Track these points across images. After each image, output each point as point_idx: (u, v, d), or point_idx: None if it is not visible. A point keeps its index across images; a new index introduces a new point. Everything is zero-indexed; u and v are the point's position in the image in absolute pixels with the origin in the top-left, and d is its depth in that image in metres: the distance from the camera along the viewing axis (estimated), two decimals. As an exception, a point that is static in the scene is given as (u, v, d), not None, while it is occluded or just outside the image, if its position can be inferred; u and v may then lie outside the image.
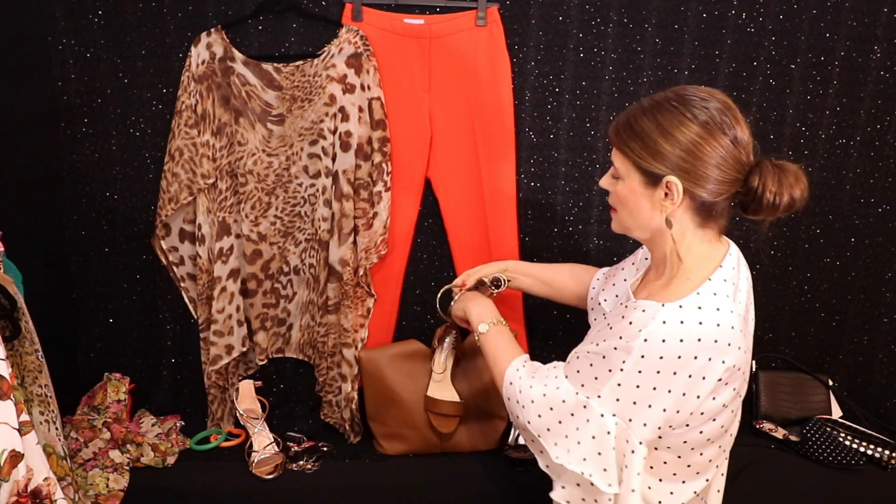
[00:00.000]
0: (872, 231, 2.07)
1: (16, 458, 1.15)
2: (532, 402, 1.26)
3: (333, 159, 1.80)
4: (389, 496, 1.77)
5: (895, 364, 2.18)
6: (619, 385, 1.14)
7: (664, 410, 1.13)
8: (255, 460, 1.78)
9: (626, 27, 1.84)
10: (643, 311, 1.14)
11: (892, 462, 1.90)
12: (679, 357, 1.10)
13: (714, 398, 1.14)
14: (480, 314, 1.50)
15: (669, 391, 1.12)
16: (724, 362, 1.11)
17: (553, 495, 1.27)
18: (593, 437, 1.18)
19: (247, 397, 1.92)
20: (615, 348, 1.14)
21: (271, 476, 1.75)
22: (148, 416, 1.90)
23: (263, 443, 1.82)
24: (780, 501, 1.86)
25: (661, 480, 1.24)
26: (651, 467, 1.23)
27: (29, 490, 1.19)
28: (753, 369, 2.12)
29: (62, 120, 1.80)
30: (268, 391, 1.99)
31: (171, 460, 1.78)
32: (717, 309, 1.11)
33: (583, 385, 1.19)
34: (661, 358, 1.10)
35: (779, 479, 1.87)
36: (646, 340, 1.11)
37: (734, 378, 1.15)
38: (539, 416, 1.24)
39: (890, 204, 2.05)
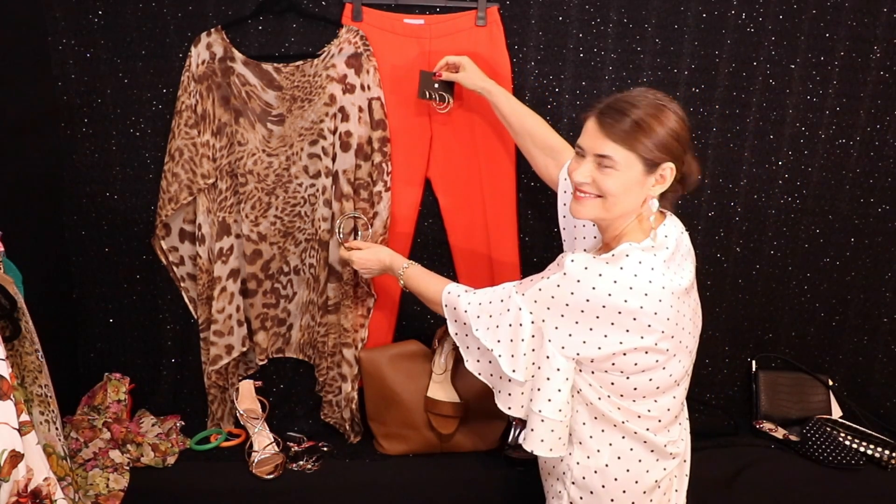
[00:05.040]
0: (872, 231, 2.07)
1: (16, 458, 1.15)
2: (475, 294, 1.43)
3: (333, 159, 1.80)
4: (389, 496, 1.77)
5: (895, 364, 2.18)
6: (539, 290, 1.30)
7: (570, 335, 1.27)
8: (255, 460, 1.78)
9: (626, 27, 1.84)
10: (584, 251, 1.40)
11: (892, 462, 1.90)
12: (594, 288, 1.24)
13: (621, 343, 1.25)
14: (393, 258, 1.66)
15: (577, 322, 1.27)
16: (639, 308, 1.24)
17: (468, 365, 1.43)
18: (510, 325, 1.33)
19: (247, 397, 1.92)
20: (556, 264, 1.34)
21: (271, 476, 1.75)
22: (148, 416, 1.90)
23: (263, 443, 1.82)
24: (780, 501, 1.86)
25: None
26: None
27: (29, 490, 1.19)
28: (753, 369, 2.12)
29: (62, 120, 1.80)
30: (268, 391, 1.99)
31: (171, 460, 1.78)
32: (640, 262, 1.25)
33: (520, 283, 1.37)
34: (578, 282, 1.26)
35: (779, 479, 1.87)
36: (572, 261, 1.27)
37: (648, 333, 1.25)
38: (469, 303, 1.41)
39: (890, 204, 2.05)
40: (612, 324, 1.25)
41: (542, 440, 1.33)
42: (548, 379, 1.30)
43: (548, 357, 1.30)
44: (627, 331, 1.25)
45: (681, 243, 1.34)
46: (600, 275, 1.24)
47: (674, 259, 1.30)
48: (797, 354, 2.16)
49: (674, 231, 1.33)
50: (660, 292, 1.24)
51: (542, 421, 1.31)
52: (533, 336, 1.31)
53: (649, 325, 1.24)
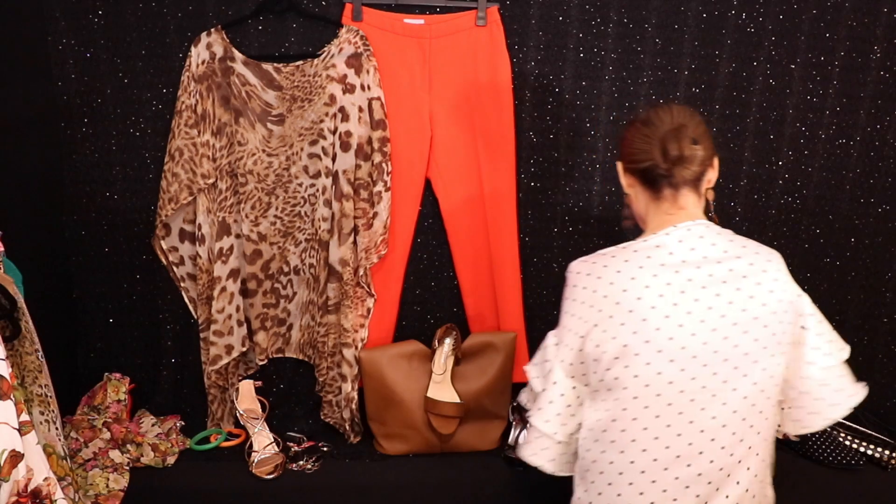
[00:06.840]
0: (872, 231, 2.07)
1: (16, 458, 1.15)
2: None
3: (333, 159, 1.80)
4: (389, 496, 1.77)
5: (895, 364, 2.18)
6: (561, 309, 1.34)
7: (569, 330, 1.29)
8: (255, 460, 1.78)
9: (626, 27, 1.84)
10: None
11: (892, 462, 1.90)
12: (584, 288, 1.27)
13: (605, 331, 1.23)
14: None
15: (572, 314, 1.29)
16: (617, 303, 1.23)
17: (520, 395, 1.53)
18: (546, 347, 1.37)
19: (247, 397, 1.92)
20: None
21: (271, 476, 1.75)
22: (148, 416, 1.90)
23: (263, 443, 1.82)
24: (780, 501, 1.86)
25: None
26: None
27: (29, 490, 1.19)
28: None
29: (62, 120, 1.80)
30: (268, 391, 1.99)
31: (171, 460, 1.78)
32: (626, 261, 1.26)
33: None
34: (574, 286, 1.30)
35: (779, 479, 1.87)
36: (568, 268, 1.33)
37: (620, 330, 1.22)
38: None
39: (890, 204, 2.05)
40: (611, 316, 1.22)
41: (533, 453, 1.35)
42: (543, 390, 1.33)
43: (550, 370, 1.32)
44: (623, 324, 1.21)
45: (711, 260, 1.26)
46: (588, 274, 1.28)
47: (685, 267, 1.24)
48: (797, 354, 2.16)
49: (692, 237, 1.27)
50: (639, 288, 1.22)
51: (533, 430, 1.33)
52: (553, 366, 1.33)
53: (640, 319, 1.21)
